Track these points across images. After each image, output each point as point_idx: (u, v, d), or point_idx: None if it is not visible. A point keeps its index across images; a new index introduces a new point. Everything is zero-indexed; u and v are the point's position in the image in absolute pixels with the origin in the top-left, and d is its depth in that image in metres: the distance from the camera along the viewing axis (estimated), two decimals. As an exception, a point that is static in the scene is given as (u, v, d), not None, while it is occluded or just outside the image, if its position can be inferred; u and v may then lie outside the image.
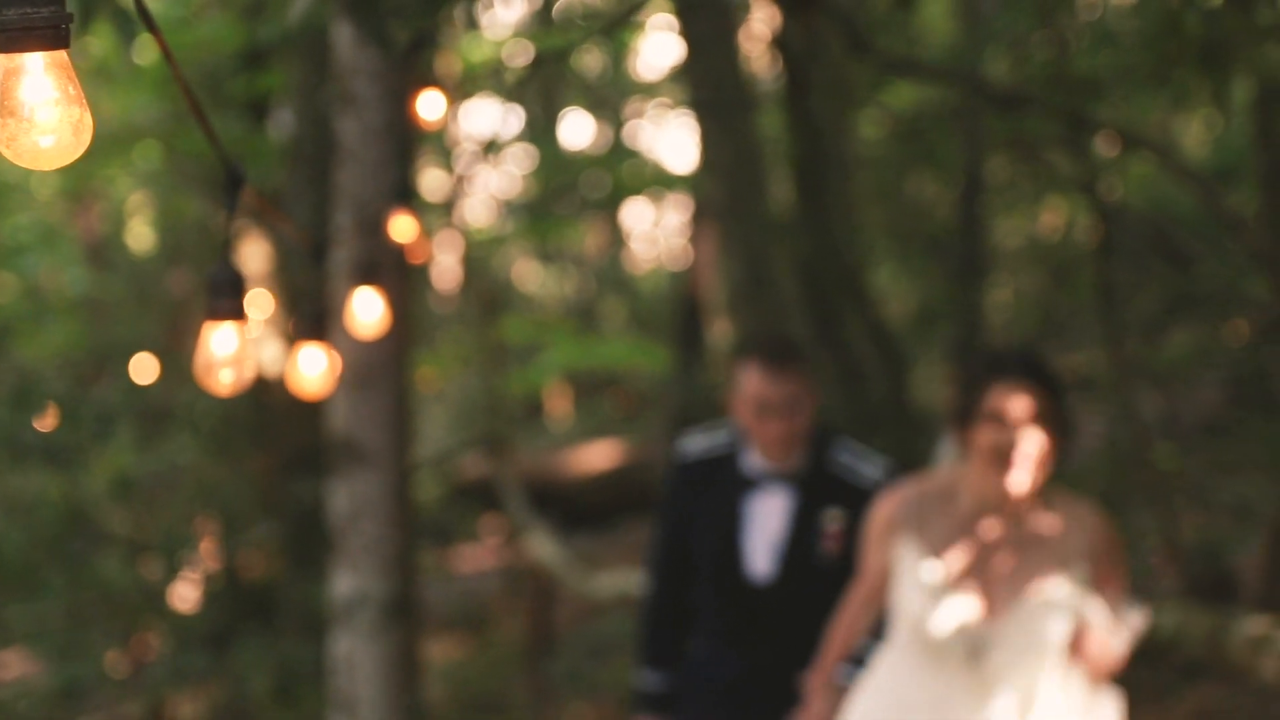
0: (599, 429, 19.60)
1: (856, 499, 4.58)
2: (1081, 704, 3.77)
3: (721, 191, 11.21)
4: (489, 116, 17.52)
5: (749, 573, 4.72)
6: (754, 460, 4.75)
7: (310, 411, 10.16)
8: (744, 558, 4.73)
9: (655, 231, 24.37)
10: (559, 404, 21.97)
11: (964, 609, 3.74)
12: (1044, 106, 6.99)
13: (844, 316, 8.92)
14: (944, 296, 10.37)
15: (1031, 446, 3.63)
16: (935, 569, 3.78)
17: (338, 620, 5.27)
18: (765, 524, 4.73)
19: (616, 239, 23.93)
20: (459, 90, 12.30)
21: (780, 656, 4.66)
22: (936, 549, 3.80)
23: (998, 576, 3.74)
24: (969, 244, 10.82)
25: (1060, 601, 3.70)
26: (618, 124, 19.64)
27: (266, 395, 11.24)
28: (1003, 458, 3.65)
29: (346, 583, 5.22)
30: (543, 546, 10.60)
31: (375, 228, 4.81)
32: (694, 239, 15.63)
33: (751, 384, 4.65)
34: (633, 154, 17.29)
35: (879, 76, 8.89)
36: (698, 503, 4.84)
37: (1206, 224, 10.04)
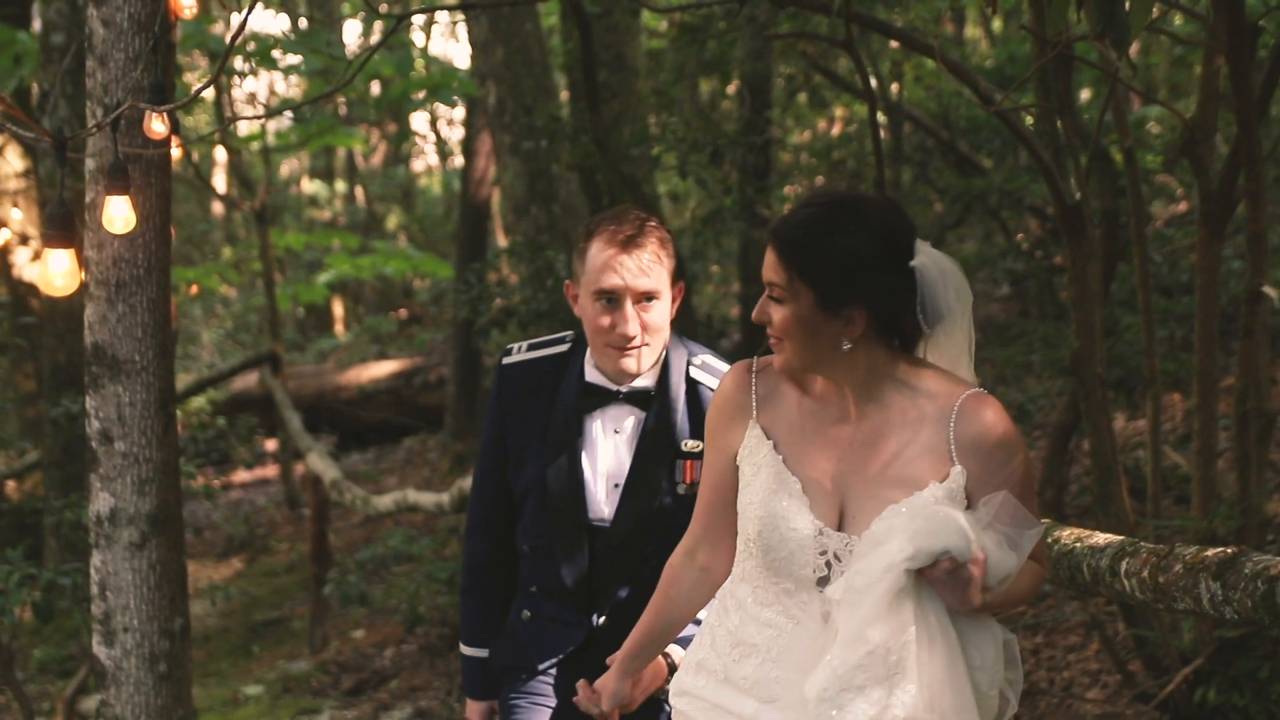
0: (380, 342, 19.37)
1: None
2: (952, 631, 2.98)
3: (501, 96, 10.99)
4: (264, 19, 17.04)
5: (588, 513, 3.81)
6: (597, 370, 3.82)
7: (75, 327, 9.81)
8: (582, 493, 3.81)
9: (436, 139, 24.02)
10: (339, 317, 21.65)
11: (810, 515, 3.05)
12: (828, 8, 6.85)
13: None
14: (731, 202, 10.27)
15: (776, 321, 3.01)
16: (780, 464, 3.09)
17: (97, 539, 5.02)
18: (607, 451, 3.80)
19: (398, 147, 23.57)
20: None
21: (630, 619, 3.58)
22: (782, 440, 3.12)
23: (854, 477, 3.05)
24: (755, 148, 10.73)
25: (926, 509, 2.95)
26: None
27: (28, 312, 10.87)
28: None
29: (104, 500, 4.96)
30: (320, 464, 10.50)
31: (126, 128, 4.52)
32: (475, 145, 15.38)
33: (595, 266, 3.64)
34: (414, 59, 16.92)
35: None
36: (525, 418, 3.87)
37: (991, 130, 10.08)
